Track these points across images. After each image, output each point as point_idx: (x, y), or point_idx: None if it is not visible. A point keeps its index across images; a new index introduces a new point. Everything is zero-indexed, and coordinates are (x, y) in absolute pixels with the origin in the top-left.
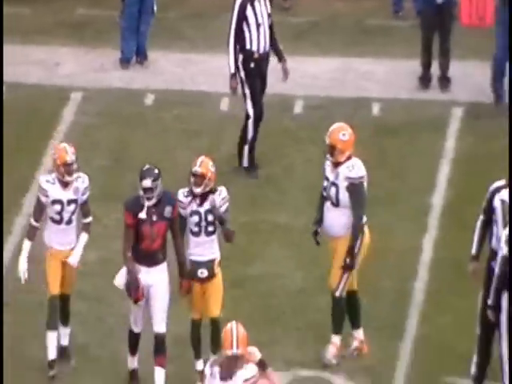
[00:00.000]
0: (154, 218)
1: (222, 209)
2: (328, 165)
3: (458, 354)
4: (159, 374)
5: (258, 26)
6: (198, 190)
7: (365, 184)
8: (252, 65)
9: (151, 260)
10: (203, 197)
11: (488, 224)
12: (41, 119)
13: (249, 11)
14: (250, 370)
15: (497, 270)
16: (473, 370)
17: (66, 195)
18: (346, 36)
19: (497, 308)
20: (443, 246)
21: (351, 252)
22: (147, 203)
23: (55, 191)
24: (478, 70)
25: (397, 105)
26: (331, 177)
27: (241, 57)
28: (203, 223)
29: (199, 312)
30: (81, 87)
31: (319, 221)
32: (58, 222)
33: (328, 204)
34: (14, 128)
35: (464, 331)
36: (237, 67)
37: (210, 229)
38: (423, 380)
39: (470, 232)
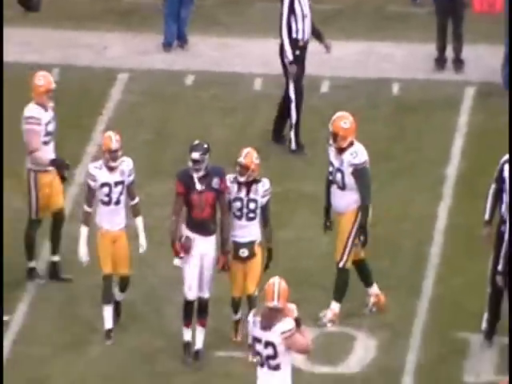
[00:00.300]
0: (202, 188)
1: (264, 200)
2: (332, 150)
3: (470, 311)
4: (200, 333)
5: (304, 16)
6: (242, 179)
7: (368, 167)
8: (297, 52)
9: (203, 229)
10: (248, 185)
11: (499, 192)
12: (91, 98)
13: (296, 4)
14: (287, 324)
15: (506, 236)
16: (484, 326)
17: (112, 178)
18: (368, 22)
19: (506, 273)
20: (457, 213)
21: (363, 230)
22: (195, 174)
23: (103, 175)
24: (488, 52)
25: (414, 85)
26: (336, 163)
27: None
28: (245, 210)
29: (239, 290)
30: (127, 69)
31: (328, 210)
32: (108, 204)
33: (334, 187)
34: (66, 107)
35: (476, 291)
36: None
37: (251, 215)
38: (438, 335)
39: (481, 200)
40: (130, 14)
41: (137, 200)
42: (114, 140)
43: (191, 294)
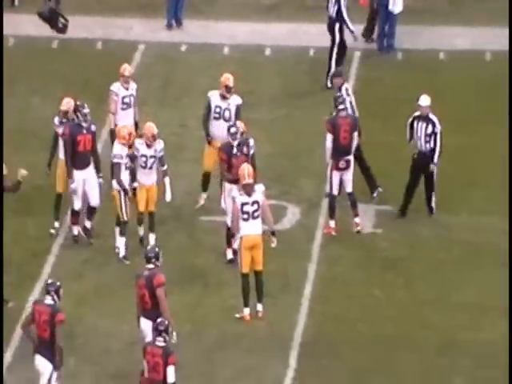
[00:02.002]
0: (238, 153)
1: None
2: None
3: None
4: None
5: None
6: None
7: None
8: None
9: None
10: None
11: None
12: (122, 60)
13: None
14: (260, 187)
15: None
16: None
17: (149, 152)
18: None
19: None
20: None
21: None
22: (234, 143)
23: (143, 149)
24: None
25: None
26: None
27: (337, 25)
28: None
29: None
30: (144, 41)
31: None
32: (144, 168)
33: None
34: (108, 64)
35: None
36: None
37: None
38: None
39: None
40: (146, 5)
41: (165, 167)
42: (154, 128)
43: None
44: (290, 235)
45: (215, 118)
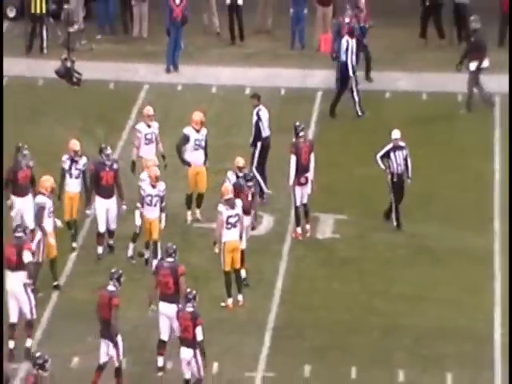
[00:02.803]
0: (245, 188)
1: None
2: None
3: None
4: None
5: None
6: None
7: None
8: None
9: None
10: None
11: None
12: (129, 97)
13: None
14: (239, 203)
15: None
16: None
17: (153, 192)
18: None
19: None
20: None
21: None
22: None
23: (148, 189)
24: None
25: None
26: None
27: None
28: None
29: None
30: (148, 82)
31: None
32: (149, 205)
33: None
34: (120, 100)
35: None
36: None
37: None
38: None
39: None
40: (149, 53)
41: (163, 204)
42: (157, 170)
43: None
44: (265, 239)
45: (194, 149)
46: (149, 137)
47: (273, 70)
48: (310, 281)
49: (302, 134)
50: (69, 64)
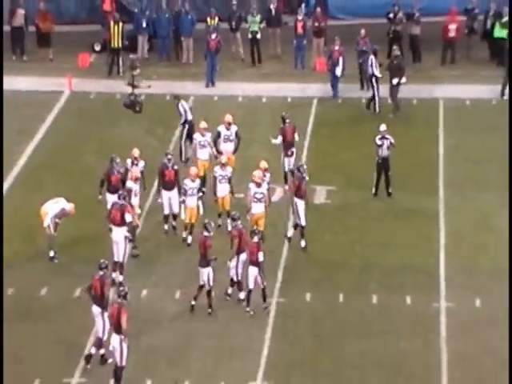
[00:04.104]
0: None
1: None
2: None
3: None
4: None
5: None
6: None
7: None
8: None
9: None
10: None
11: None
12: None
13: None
14: (265, 184)
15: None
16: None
17: (193, 185)
18: None
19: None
20: None
21: None
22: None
23: (189, 183)
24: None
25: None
26: None
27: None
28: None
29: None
30: (193, 94)
31: None
32: (191, 196)
33: None
34: (172, 112)
35: None
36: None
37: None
38: None
39: None
40: (194, 74)
41: (200, 194)
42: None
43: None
44: (279, 203)
45: (224, 141)
46: (202, 143)
47: (281, 85)
48: (309, 233)
49: (287, 121)
50: (132, 98)
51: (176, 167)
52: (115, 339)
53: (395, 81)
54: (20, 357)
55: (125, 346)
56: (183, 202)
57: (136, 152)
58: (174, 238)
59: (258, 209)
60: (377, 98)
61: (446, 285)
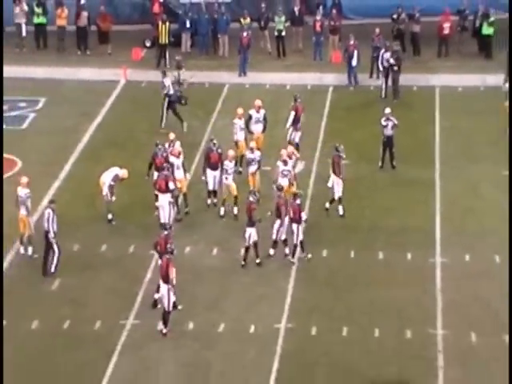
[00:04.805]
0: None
1: None
2: None
3: None
4: None
5: None
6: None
7: None
8: None
9: None
10: None
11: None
12: (215, 94)
13: None
14: (291, 162)
15: None
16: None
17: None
18: None
19: None
20: None
21: None
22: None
23: (229, 165)
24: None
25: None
26: None
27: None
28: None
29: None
30: (228, 83)
31: None
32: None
33: None
34: (211, 97)
35: None
36: None
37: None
38: None
39: None
40: (229, 65)
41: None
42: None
43: None
44: (301, 174)
45: (255, 123)
46: (241, 126)
47: (303, 74)
48: (326, 199)
49: (299, 100)
50: (179, 93)
51: (220, 150)
52: (163, 288)
53: (395, 68)
54: (84, 302)
55: (171, 293)
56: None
57: (171, 135)
58: (212, 207)
59: (283, 182)
60: (383, 86)
61: (441, 243)
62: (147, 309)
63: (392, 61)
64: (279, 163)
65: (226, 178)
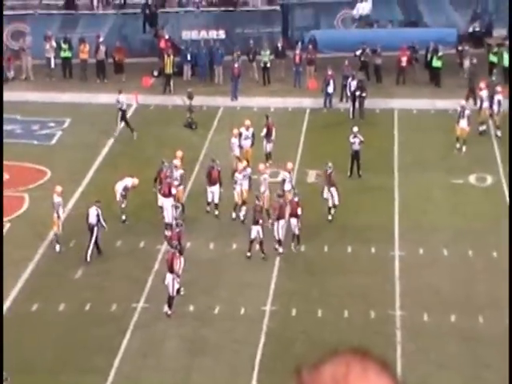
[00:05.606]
0: None
1: None
2: None
3: None
4: None
5: None
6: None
7: None
8: None
9: None
10: None
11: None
12: (211, 116)
13: None
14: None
15: None
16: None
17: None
18: None
19: None
20: None
21: None
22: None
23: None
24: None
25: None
26: None
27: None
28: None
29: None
30: (223, 106)
31: None
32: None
33: None
34: (205, 120)
35: None
36: None
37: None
38: None
39: None
40: (223, 91)
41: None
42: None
43: None
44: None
45: (245, 139)
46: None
47: (285, 99)
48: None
49: (270, 119)
50: (190, 120)
51: (219, 168)
52: (169, 277)
53: (358, 93)
54: (102, 288)
55: (175, 282)
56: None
57: (179, 153)
58: (211, 212)
59: (262, 189)
60: (351, 108)
61: (399, 238)
62: (155, 294)
63: (356, 87)
64: (266, 175)
65: (234, 188)
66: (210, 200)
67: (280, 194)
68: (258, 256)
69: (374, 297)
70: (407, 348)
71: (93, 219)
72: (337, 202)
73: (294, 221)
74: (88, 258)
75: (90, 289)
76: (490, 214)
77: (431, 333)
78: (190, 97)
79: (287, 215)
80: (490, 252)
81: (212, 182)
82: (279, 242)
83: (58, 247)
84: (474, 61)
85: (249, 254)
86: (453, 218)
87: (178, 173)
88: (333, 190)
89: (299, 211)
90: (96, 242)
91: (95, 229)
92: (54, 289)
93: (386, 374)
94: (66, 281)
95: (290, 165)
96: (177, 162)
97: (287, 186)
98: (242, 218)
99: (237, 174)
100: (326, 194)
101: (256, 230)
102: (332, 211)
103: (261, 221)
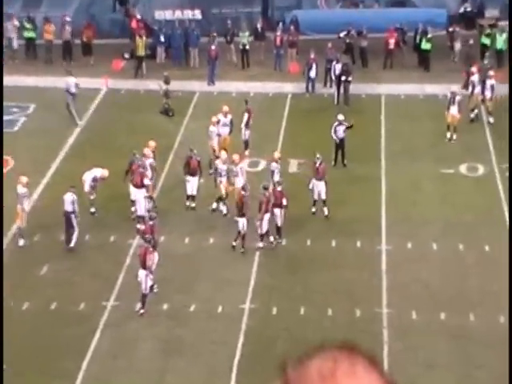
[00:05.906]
0: None
1: None
2: None
3: None
4: None
5: None
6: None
7: None
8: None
9: None
10: None
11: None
12: (187, 101)
13: None
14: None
15: None
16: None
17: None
18: None
19: None
20: None
21: None
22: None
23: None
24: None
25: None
26: None
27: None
28: None
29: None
30: (199, 91)
31: None
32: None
33: None
34: (182, 104)
35: None
36: None
37: None
38: None
39: None
40: (199, 75)
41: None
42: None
43: None
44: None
45: (223, 126)
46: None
47: (265, 83)
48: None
49: (248, 104)
50: (166, 106)
51: (199, 158)
52: (141, 273)
53: (343, 78)
54: (69, 284)
55: (148, 278)
56: (220, 181)
57: (152, 143)
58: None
59: (238, 182)
60: (336, 94)
61: (386, 232)
62: (126, 291)
63: (341, 71)
64: (242, 165)
65: (221, 182)
66: (189, 193)
67: (266, 186)
68: (237, 251)
69: (359, 294)
70: (394, 347)
71: (68, 206)
72: (324, 197)
73: (277, 211)
74: (73, 244)
75: (56, 286)
76: (481, 206)
77: (420, 331)
78: (167, 81)
79: (270, 207)
80: (482, 245)
81: (191, 173)
82: (261, 236)
83: (21, 241)
84: (471, 41)
85: (234, 243)
86: (443, 210)
87: (147, 162)
88: (321, 184)
89: (284, 201)
90: (67, 231)
91: (72, 216)
92: (17, 286)
93: (375, 370)
94: (31, 277)
95: (277, 154)
96: (147, 150)
97: (277, 177)
98: (225, 211)
99: (220, 165)
100: (311, 185)
101: (242, 223)
102: (323, 208)
103: (247, 213)
